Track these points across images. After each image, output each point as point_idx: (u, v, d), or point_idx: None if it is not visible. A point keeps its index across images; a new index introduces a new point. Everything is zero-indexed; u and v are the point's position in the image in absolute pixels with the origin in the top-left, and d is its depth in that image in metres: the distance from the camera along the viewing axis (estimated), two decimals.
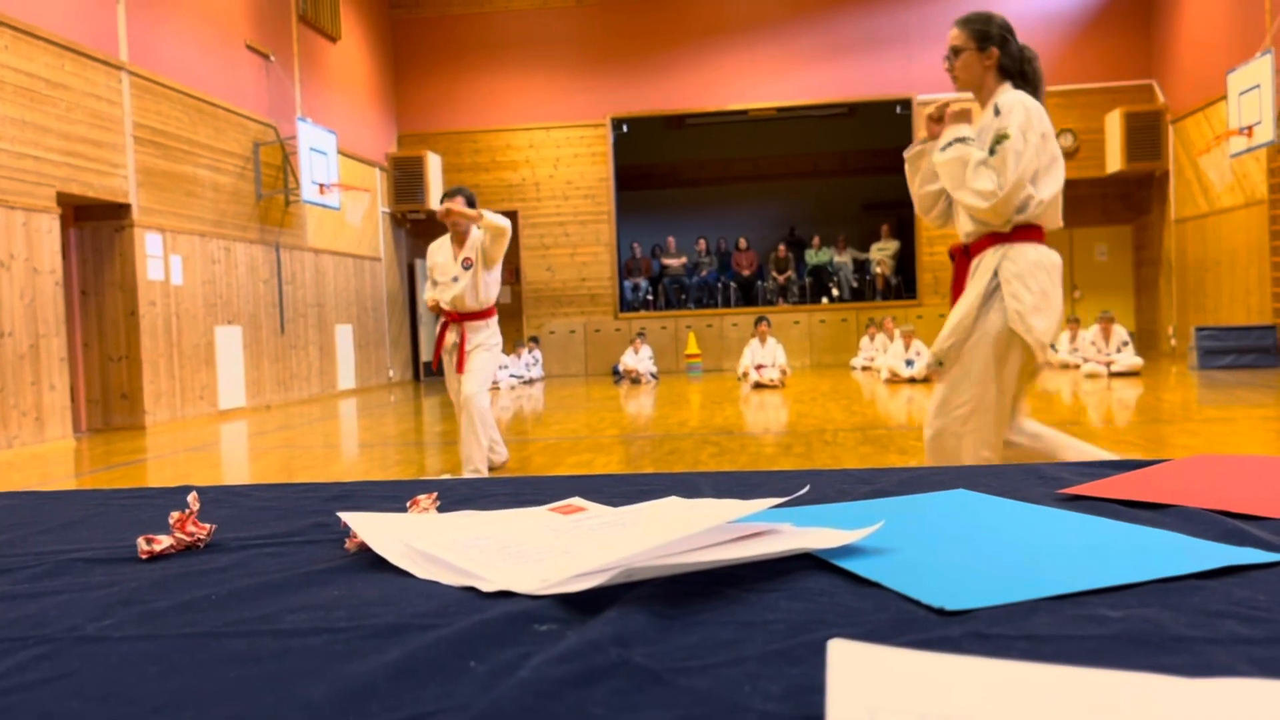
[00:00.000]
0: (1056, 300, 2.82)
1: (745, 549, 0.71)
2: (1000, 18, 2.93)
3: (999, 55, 2.88)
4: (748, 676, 0.51)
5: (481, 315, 4.82)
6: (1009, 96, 2.83)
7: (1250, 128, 10.83)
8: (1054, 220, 2.88)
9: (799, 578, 0.70)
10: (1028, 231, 2.83)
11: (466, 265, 4.74)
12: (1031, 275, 2.78)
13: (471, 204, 4.77)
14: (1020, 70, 2.91)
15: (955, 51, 2.91)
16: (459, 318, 4.78)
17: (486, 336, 4.85)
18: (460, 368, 4.78)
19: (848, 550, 0.74)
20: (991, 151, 2.76)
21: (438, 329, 4.92)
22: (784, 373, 11.21)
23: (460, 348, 4.79)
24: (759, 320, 11.64)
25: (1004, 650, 0.53)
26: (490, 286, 4.83)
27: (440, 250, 4.88)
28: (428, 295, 4.93)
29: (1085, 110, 14.38)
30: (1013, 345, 2.81)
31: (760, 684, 0.50)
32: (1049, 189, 2.81)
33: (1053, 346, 2.91)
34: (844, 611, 0.62)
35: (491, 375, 4.85)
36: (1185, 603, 0.61)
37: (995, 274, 2.82)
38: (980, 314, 2.82)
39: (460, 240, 4.83)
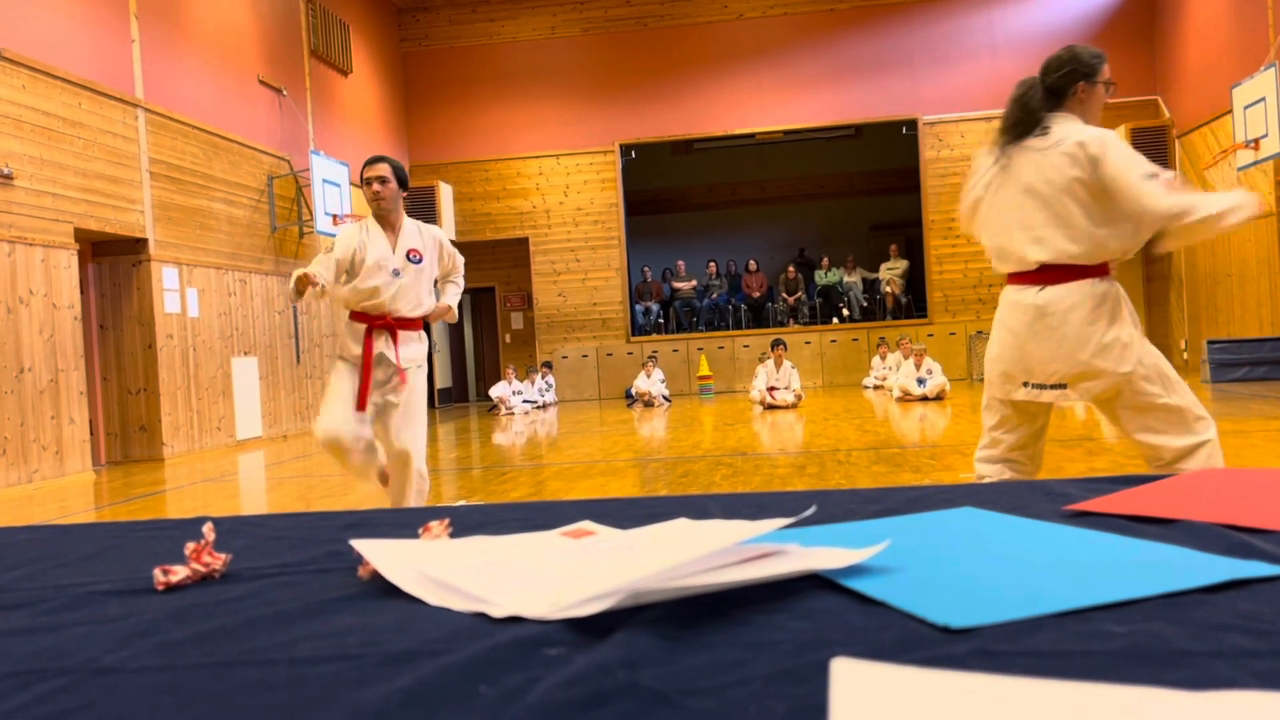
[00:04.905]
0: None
1: (752, 570, 0.71)
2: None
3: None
4: (753, 697, 0.52)
5: (417, 324, 3.76)
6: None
7: (1256, 141, 10.80)
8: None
9: (805, 598, 0.70)
10: None
11: (415, 259, 3.67)
12: None
13: (401, 177, 3.70)
14: None
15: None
16: (390, 323, 3.64)
17: (421, 352, 3.78)
18: (366, 387, 3.60)
19: (854, 570, 0.74)
20: None
21: (362, 339, 3.66)
22: (799, 397, 11.11)
23: (393, 363, 3.67)
24: (775, 344, 11.48)
25: (1007, 667, 0.54)
26: (432, 291, 3.82)
27: (369, 238, 3.62)
28: (321, 283, 3.38)
29: None
30: None
31: (766, 704, 0.51)
32: None
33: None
34: (850, 631, 0.62)
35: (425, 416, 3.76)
36: (1189, 617, 0.61)
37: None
38: None
39: (392, 226, 3.68)
